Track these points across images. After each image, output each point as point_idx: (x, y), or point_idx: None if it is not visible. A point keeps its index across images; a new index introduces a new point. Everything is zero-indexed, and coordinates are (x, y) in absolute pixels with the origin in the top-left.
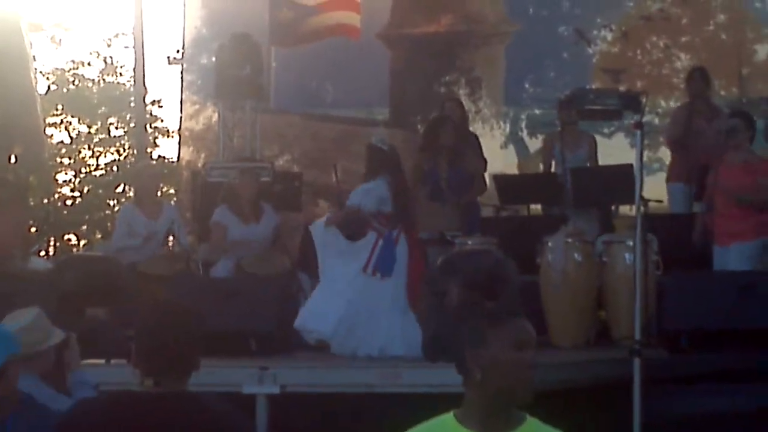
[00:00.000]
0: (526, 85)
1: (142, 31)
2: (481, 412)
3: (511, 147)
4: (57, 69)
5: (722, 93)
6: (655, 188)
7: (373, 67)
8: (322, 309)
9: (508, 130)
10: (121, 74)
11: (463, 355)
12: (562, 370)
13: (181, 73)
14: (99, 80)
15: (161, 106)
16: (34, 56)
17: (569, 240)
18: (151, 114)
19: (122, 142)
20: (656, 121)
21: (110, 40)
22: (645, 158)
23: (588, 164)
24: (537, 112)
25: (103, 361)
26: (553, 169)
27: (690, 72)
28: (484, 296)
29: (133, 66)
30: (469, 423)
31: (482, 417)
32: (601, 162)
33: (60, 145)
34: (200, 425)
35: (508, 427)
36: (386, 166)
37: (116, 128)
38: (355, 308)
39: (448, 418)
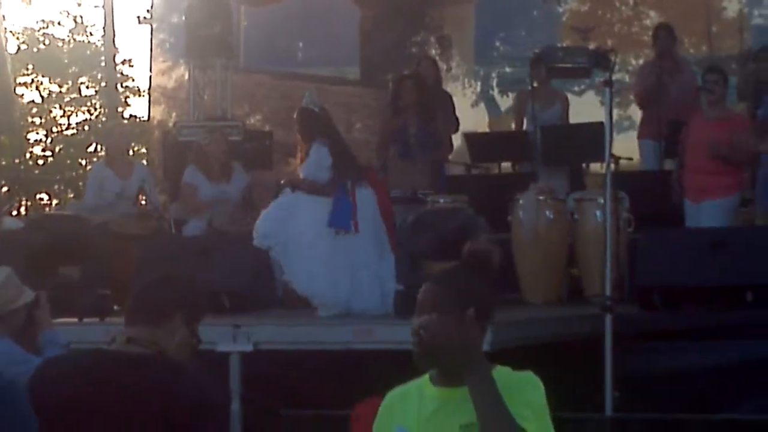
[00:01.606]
0: (497, 44)
1: None
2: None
3: (482, 105)
4: (27, 28)
5: (691, 51)
6: (626, 146)
7: (343, 25)
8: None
9: (479, 88)
10: (91, 34)
11: None
12: (534, 327)
13: (151, 32)
14: (69, 40)
15: (132, 66)
16: (3, 16)
17: (540, 197)
18: (121, 73)
19: (93, 101)
20: (626, 78)
21: None
22: (615, 116)
23: (560, 122)
24: (507, 70)
25: (75, 320)
26: (524, 127)
27: (656, 28)
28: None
29: (103, 25)
30: (437, 380)
31: (438, 374)
32: (571, 120)
33: (31, 105)
34: (172, 390)
35: None
36: (321, 129)
37: (87, 88)
38: (333, 267)
39: (425, 377)
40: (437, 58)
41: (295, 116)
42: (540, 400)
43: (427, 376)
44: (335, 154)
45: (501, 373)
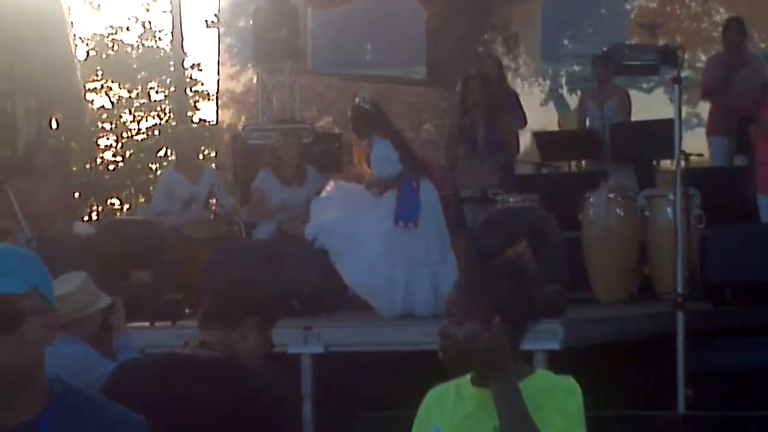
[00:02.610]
0: (564, 42)
1: None
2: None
3: (550, 104)
4: (96, 34)
5: (762, 45)
6: (696, 143)
7: (409, 26)
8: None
9: (547, 86)
10: (159, 39)
11: None
12: (606, 325)
13: (219, 36)
14: (138, 45)
15: (201, 70)
16: (72, 22)
17: (611, 195)
18: (190, 78)
19: (162, 106)
20: (695, 75)
21: (148, 4)
22: (684, 113)
23: (619, 118)
24: (576, 68)
25: (147, 324)
26: (588, 125)
27: (726, 23)
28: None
29: (171, 30)
30: (476, 381)
31: (477, 375)
32: (640, 117)
33: (101, 110)
34: (244, 394)
35: None
36: (374, 125)
37: (156, 92)
38: (392, 264)
39: (467, 378)
40: (504, 56)
41: (348, 115)
42: (574, 407)
43: (468, 376)
44: (399, 148)
45: (539, 377)
